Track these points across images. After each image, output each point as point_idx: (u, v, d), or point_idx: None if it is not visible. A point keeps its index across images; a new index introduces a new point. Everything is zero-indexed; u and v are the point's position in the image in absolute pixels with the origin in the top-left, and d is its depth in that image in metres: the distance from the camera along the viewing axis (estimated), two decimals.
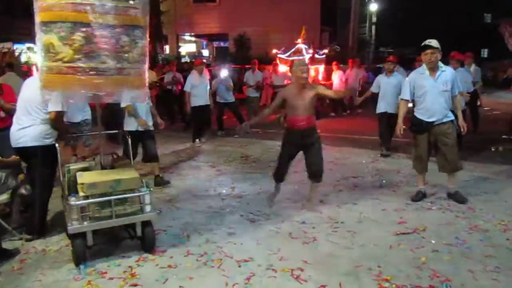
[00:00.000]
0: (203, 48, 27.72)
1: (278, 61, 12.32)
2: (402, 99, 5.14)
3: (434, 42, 4.78)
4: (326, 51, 13.54)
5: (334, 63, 12.81)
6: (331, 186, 5.62)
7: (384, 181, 5.84)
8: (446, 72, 4.86)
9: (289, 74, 11.23)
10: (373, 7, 28.72)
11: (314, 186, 4.84)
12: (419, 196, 5.09)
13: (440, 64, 4.87)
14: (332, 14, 23.57)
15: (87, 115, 5.81)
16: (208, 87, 8.62)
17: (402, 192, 5.36)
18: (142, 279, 3.33)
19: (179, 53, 23.43)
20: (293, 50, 12.43)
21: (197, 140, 8.55)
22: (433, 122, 4.85)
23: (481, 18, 17.05)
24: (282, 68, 11.97)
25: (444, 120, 4.85)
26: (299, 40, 12.43)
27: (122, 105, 5.37)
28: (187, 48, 26.80)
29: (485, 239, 4.00)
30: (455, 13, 32.43)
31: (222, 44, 25.58)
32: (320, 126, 4.95)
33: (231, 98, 9.62)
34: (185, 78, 9.37)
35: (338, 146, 8.03)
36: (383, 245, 3.87)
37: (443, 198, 5.10)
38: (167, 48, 23.98)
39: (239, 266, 3.51)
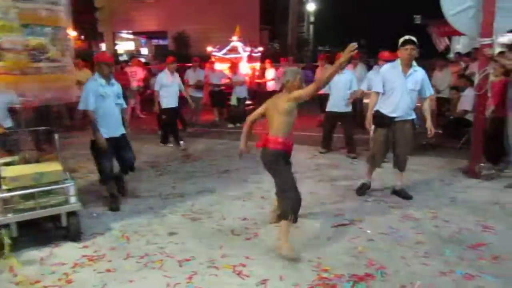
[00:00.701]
0: (142, 46, 27.08)
1: (213, 59, 12.21)
2: (374, 91, 5.08)
3: (415, 39, 4.78)
4: (261, 49, 13.61)
5: (267, 61, 12.77)
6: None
7: (323, 176, 6.01)
8: (418, 72, 4.86)
9: (227, 72, 11.18)
10: (311, 7, 29.39)
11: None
12: (364, 189, 5.20)
13: (414, 63, 4.87)
14: (271, 13, 23.87)
15: (9, 122, 5.19)
16: (182, 87, 8.23)
17: (341, 186, 5.55)
18: (79, 286, 3.20)
19: (115, 51, 22.71)
20: (228, 48, 12.41)
21: (182, 142, 8.01)
22: (394, 117, 4.89)
23: (411, 19, 17.95)
24: (219, 66, 11.86)
25: (406, 118, 4.91)
26: (234, 38, 12.45)
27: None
28: (125, 46, 26.07)
29: (416, 227, 4.24)
30: (387, 14, 34.04)
31: (161, 42, 25.11)
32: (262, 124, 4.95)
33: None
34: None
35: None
36: (322, 237, 3.99)
37: (378, 190, 5.34)
38: (103, 46, 23.20)
39: (181, 266, 3.47)
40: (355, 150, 7.12)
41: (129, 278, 3.29)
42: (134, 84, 11.04)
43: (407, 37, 4.77)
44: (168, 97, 7.95)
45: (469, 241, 3.88)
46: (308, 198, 5.05)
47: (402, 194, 5.11)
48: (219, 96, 10.99)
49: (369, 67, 9.89)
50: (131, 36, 25.83)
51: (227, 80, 10.80)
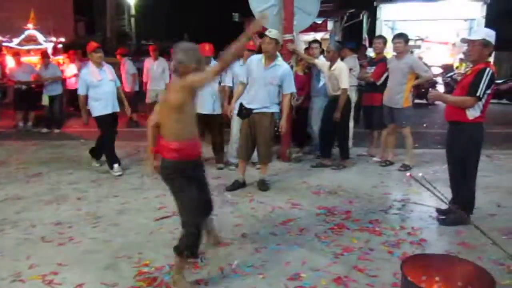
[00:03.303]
0: None
1: (5, 51, 10.48)
2: (239, 82, 5.15)
3: (273, 33, 4.89)
4: (63, 39, 11.96)
5: (67, 54, 10.88)
6: (89, 181, 5.38)
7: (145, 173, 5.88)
8: (281, 67, 4.93)
9: (36, 67, 9.51)
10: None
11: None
12: (235, 186, 5.12)
13: (279, 58, 4.96)
14: (88, 3, 22.41)
15: None
16: (118, 84, 6.04)
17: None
18: None
19: None
20: (23, 37, 10.86)
21: (116, 166, 5.81)
22: (252, 109, 4.95)
23: (230, 16, 18.92)
24: (25, 59, 10.01)
25: (264, 111, 4.94)
26: (30, 26, 10.96)
27: None
28: None
29: (234, 210, 4.48)
30: (209, 11, 35.11)
31: None
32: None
33: None
34: None
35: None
36: (144, 232, 3.91)
37: None
38: None
39: None
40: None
41: None
42: None
43: (267, 31, 4.92)
44: (100, 100, 6.52)
45: (280, 219, 4.26)
46: (131, 194, 4.92)
47: (260, 185, 5.16)
48: (26, 96, 9.04)
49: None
50: None
51: (36, 76, 9.02)
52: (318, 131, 6.34)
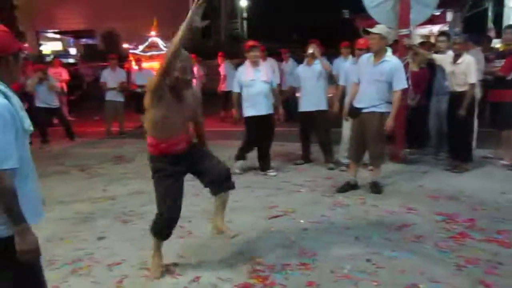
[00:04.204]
0: (70, 46, 25.84)
1: (131, 58, 11.31)
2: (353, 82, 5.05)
3: (378, 28, 4.76)
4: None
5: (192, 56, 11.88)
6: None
7: (258, 170, 6.03)
8: (389, 62, 4.73)
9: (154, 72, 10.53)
10: (243, 3, 29.53)
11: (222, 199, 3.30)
12: (346, 187, 5.01)
13: (388, 52, 4.78)
14: (204, 10, 23.68)
15: None
16: (274, 85, 5.84)
17: (274, 178, 5.61)
18: None
19: (40, 51, 21.51)
20: (146, 44, 11.60)
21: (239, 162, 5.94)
22: (361, 108, 4.85)
23: (340, 13, 18.60)
24: (145, 65, 10.71)
25: (373, 110, 4.77)
26: (153, 33, 11.70)
27: None
28: (52, 46, 24.75)
29: (346, 213, 4.38)
30: (319, 9, 34.97)
31: (90, 41, 24.13)
32: None
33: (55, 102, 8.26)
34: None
35: (212, 139, 8.15)
36: (256, 230, 4.01)
37: (311, 180, 5.46)
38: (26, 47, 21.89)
39: (111, 270, 3.35)
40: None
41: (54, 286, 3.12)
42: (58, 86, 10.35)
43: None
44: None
45: (394, 223, 4.07)
46: (242, 192, 5.08)
47: (372, 187, 4.99)
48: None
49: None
50: (57, 36, 24.59)
51: None
52: (448, 132, 5.93)
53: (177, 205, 3.12)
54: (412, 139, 6.54)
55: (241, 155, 5.90)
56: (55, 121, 8.97)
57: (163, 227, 3.16)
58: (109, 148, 7.82)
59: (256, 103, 5.53)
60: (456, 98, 5.55)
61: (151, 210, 4.54)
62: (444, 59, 5.65)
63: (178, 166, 3.10)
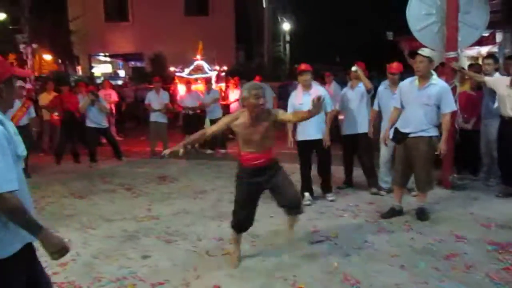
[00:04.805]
0: (119, 69, 26.94)
1: (177, 80, 11.61)
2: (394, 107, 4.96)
3: (426, 51, 4.67)
4: (225, 68, 12.72)
5: (231, 80, 11.73)
6: None
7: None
8: (437, 86, 4.65)
9: (202, 95, 10.13)
10: (286, 26, 29.92)
11: (293, 220, 4.07)
12: (392, 213, 4.90)
13: (434, 76, 4.69)
14: (247, 32, 24.20)
15: None
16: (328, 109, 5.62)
17: (317, 202, 5.56)
18: None
19: (92, 73, 22.53)
20: (192, 67, 11.83)
21: (307, 195, 5.64)
22: (407, 133, 4.74)
23: (384, 36, 18.50)
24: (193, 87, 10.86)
25: (421, 134, 4.67)
26: (198, 56, 11.93)
27: None
28: (102, 69, 25.89)
29: (391, 240, 4.26)
30: (361, 31, 34.87)
31: (138, 64, 25.06)
32: None
33: (104, 123, 8.67)
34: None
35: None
36: (298, 254, 3.97)
37: (353, 205, 5.37)
38: (79, 69, 23.04)
39: None
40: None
41: None
42: (108, 107, 10.74)
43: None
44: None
45: (442, 252, 3.91)
46: (283, 216, 5.04)
47: (418, 213, 4.83)
48: (193, 120, 9.69)
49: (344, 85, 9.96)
50: (108, 59, 25.71)
51: (201, 102, 9.78)
52: (498, 157, 5.70)
53: (244, 210, 3.76)
54: (463, 164, 6.32)
55: (304, 185, 5.64)
56: (104, 140, 9.34)
57: (235, 224, 3.82)
58: (153, 168, 8.01)
59: (306, 127, 5.41)
60: (508, 123, 5.34)
61: (195, 230, 4.66)
62: (496, 81, 5.46)
63: (256, 178, 3.66)
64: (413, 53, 4.71)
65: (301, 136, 5.56)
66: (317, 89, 5.49)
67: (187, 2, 22.66)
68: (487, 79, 5.59)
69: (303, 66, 5.61)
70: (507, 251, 3.88)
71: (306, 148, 5.57)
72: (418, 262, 3.71)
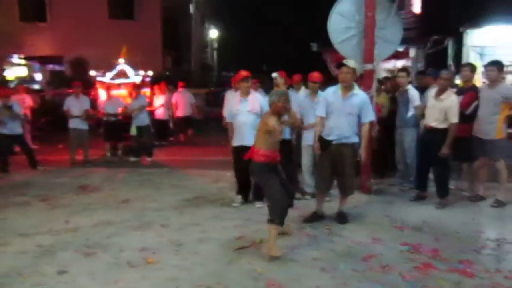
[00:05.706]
0: (35, 72, 25.31)
1: (98, 85, 11.13)
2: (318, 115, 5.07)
3: (351, 63, 4.81)
4: (151, 73, 12.38)
5: (157, 86, 11.81)
6: (172, 209, 5.59)
7: (226, 200, 5.98)
8: (359, 96, 4.88)
9: (124, 100, 9.97)
10: (214, 33, 29.96)
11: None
12: (313, 218, 5.02)
13: (356, 87, 4.91)
14: (175, 38, 23.91)
15: None
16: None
17: (244, 208, 5.59)
18: None
19: (3, 77, 20.95)
20: (115, 72, 11.42)
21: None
22: (331, 140, 4.89)
23: (308, 46, 19.17)
24: (115, 92, 10.50)
25: (344, 141, 4.86)
26: (121, 60, 11.49)
27: None
28: (16, 72, 24.16)
29: (312, 243, 4.39)
30: (287, 42, 35.89)
31: (57, 67, 23.72)
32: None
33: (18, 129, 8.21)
34: None
35: (183, 168, 8.11)
36: (223, 262, 3.96)
37: None
38: None
39: None
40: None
41: None
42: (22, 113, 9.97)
43: (343, 61, 4.89)
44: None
45: (360, 254, 4.10)
46: (211, 222, 5.03)
47: (339, 217, 5.03)
48: (114, 127, 9.58)
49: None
50: (23, 61, 24.07)
51: (124, 108, 9.54)
52: (416, 164, 6.05)
53: (283, 193, 4.17)
54: (378, 170, 6.69)
55: (239, 188, 5.77)
56: (18, 149, 8.71)
57: (279, 214, 4.07)
58: (73, 178, 7.60)
59: (240, 133, 5.50)
60: (431, 133, 5.56)
61: (117, 241, 4.48)
62: (428, 93, 5.83)
63: (272, 172, 4.25)
64: (340, 65, 4.90)
65: (235, 142, 5.61)
66: (255, 96, 5.60)
67: (112, 5, 21.93)
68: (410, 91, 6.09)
69: (244, 73, 5.63)
70: (418, 251, 4.16)
71: (239, 154, 5.53)
72: (338, 264, 3.86)
